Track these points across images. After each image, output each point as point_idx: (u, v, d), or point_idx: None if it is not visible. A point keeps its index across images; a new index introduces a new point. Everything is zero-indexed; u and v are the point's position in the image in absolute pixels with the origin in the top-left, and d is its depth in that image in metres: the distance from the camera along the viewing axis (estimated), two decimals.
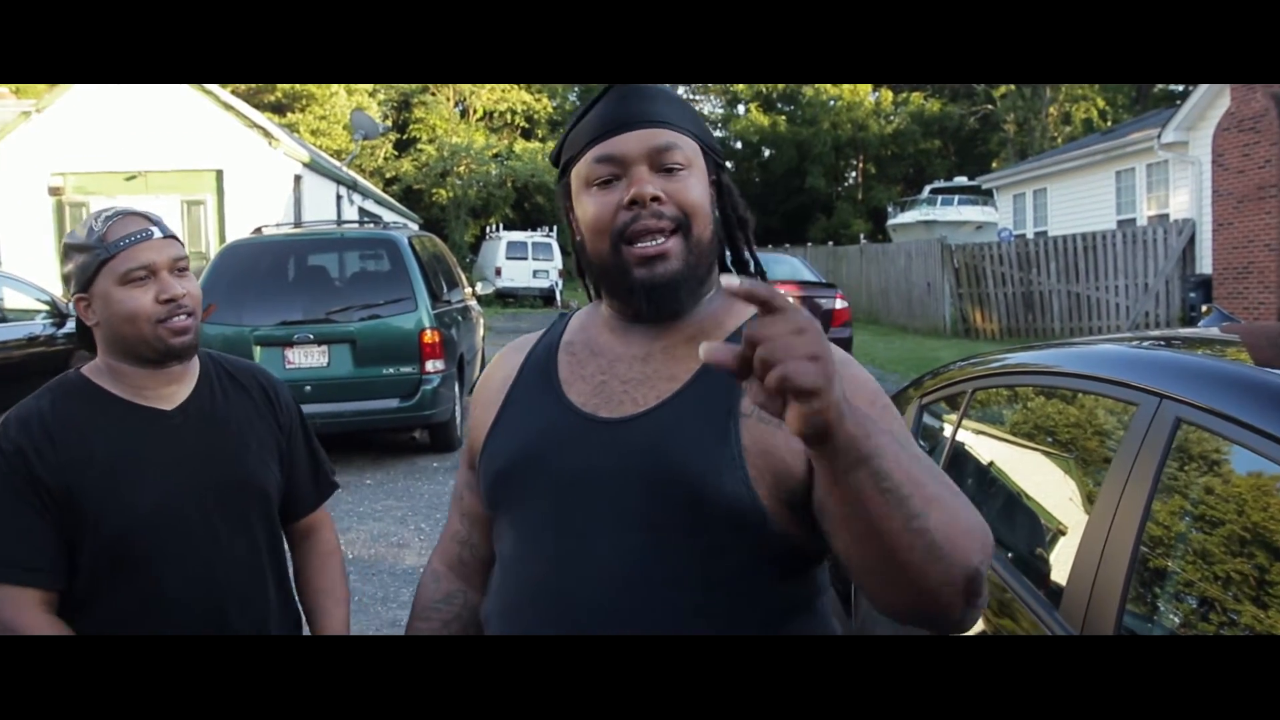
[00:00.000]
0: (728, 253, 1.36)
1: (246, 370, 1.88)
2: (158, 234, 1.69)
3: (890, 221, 40.01)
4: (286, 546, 1.90)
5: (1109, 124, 34.17)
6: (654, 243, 1.22)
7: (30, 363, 8.17)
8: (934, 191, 39.17)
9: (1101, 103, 38.84)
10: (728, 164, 1.37)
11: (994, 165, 37.50)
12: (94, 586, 1.66)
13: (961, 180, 38.54)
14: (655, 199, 1.22)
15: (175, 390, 1.75)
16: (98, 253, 1.66)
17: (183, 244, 1.75)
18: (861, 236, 35.27)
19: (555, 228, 34.31)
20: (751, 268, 1.37)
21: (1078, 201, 19.51)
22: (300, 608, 1.91)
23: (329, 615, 1.86)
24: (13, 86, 21.81)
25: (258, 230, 8.75)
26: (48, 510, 1.63)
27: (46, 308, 8.92)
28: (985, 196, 32.73)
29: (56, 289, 14.98)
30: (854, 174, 49.81)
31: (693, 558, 1.17)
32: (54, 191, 16.94)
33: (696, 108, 47.36)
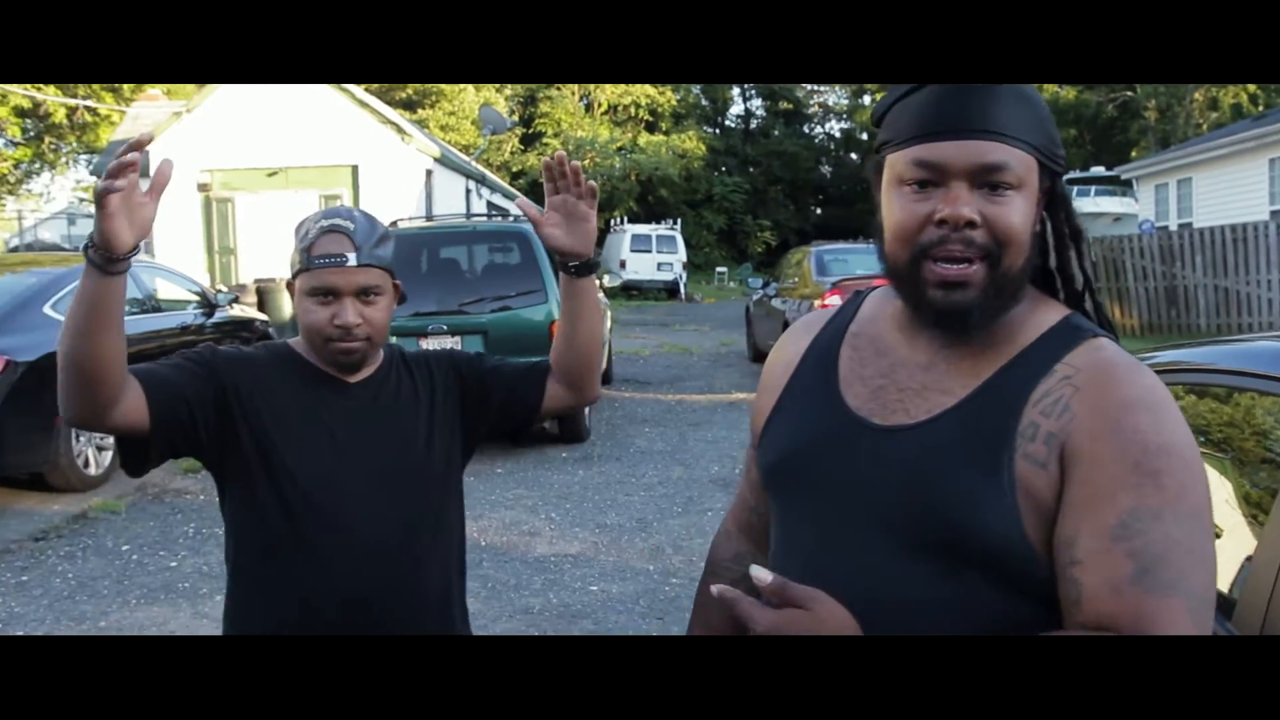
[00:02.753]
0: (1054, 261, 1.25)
1: (420, 358, 1.93)
2: (351, 261, 1.70)
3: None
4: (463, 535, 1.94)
5: (1260, 109, 32.49)
6: (957, 267, 1.13)
7: (182, 350, 8.56)
8: (1069, 182, 37.84)
9: (1253, 87, 36.94)
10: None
11: (1133, 154, 36.08)
12: (272, 533, 1.74)
13: (1098, 170, 37.15)
14: (970, 223, 1.12)
15: (358, 374, 1.83)
16: (301, 261, 1.74)
17: (382, 269, 1.76)
18: None
19: (679, 220, 34.36)
20: (1079, 283, 1.24)
21: (1226, 191, 18.62)
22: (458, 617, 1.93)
23: None
24: (165, 88, 22.87)
25: (393, 224, 9.00)
26: (203, 403, 1.70)
27: (196, 298, 9.32)
28: (1124, 187, 31.47)
29: (205, 280, 15.69)
30: None
31: (944, 593, 1.12)
32: (202, 188, 17.76)
33: (824, 99, 45.93)
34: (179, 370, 1.71)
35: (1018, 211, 1.13)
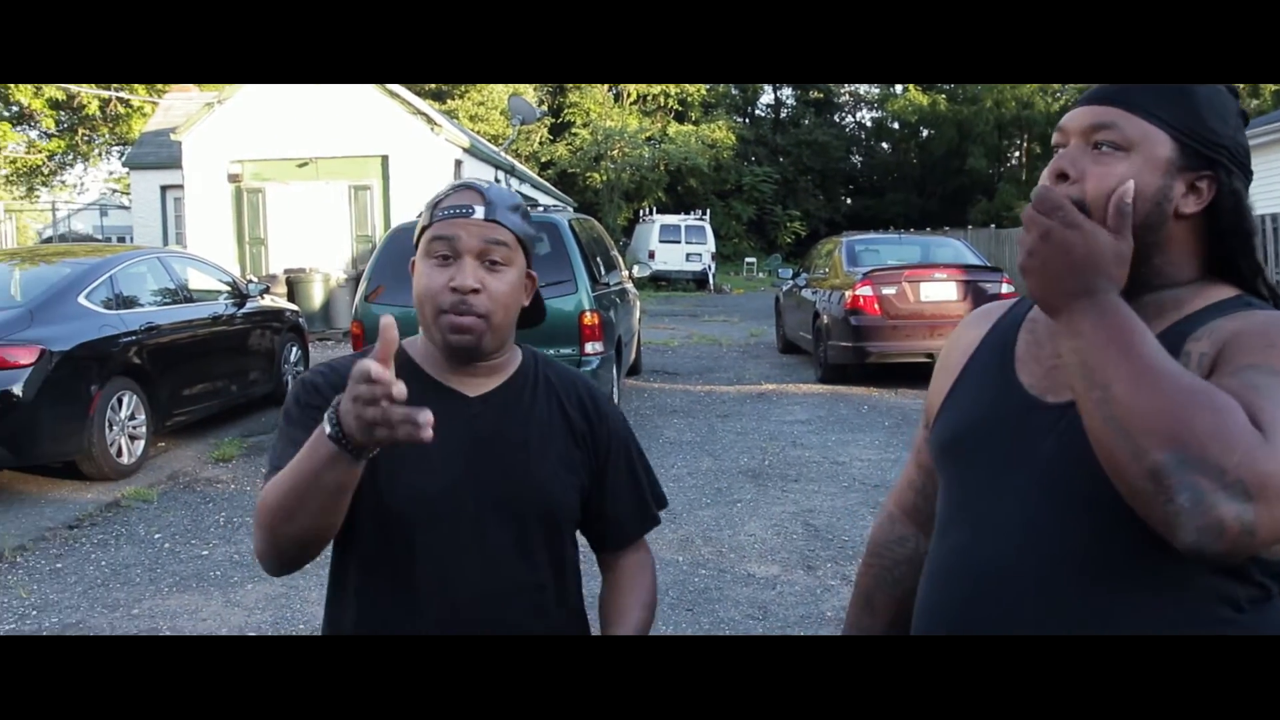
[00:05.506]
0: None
1: (570, 380, 1.67)
2: (478, 215, 1.50)
3: None
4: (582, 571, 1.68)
5: None
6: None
7: (212, 341, 8.63)
8: None
9: None
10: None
11: None
12: (358, 563, 1.54)
13: None
14: (1062, 175, 1.24)
15: (482, 382, 1.57)
16: (424, 218, 1.54)
17: (512, 233, 1.52)
18: None
19: (708, 211, 34.25)
20: (1247, 272, 1.27)
21: (1269, 180, 18.33)
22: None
23: (625, 615, 1.61)
24: None
25: None
26: None
27: (228, 288, 9.39)
28: None
29: (236, 270, 15.80)
30: (1018, 153, 48.08)
31: (1135, 547, 1.14)
32: (233, 179, 17.87)
33: (855, 88, 45.61)
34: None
35: (1114, 172, 1.20)
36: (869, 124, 53.71)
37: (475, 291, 1.47)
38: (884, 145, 52.80)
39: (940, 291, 10.60)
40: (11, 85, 25.83)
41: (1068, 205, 1.13)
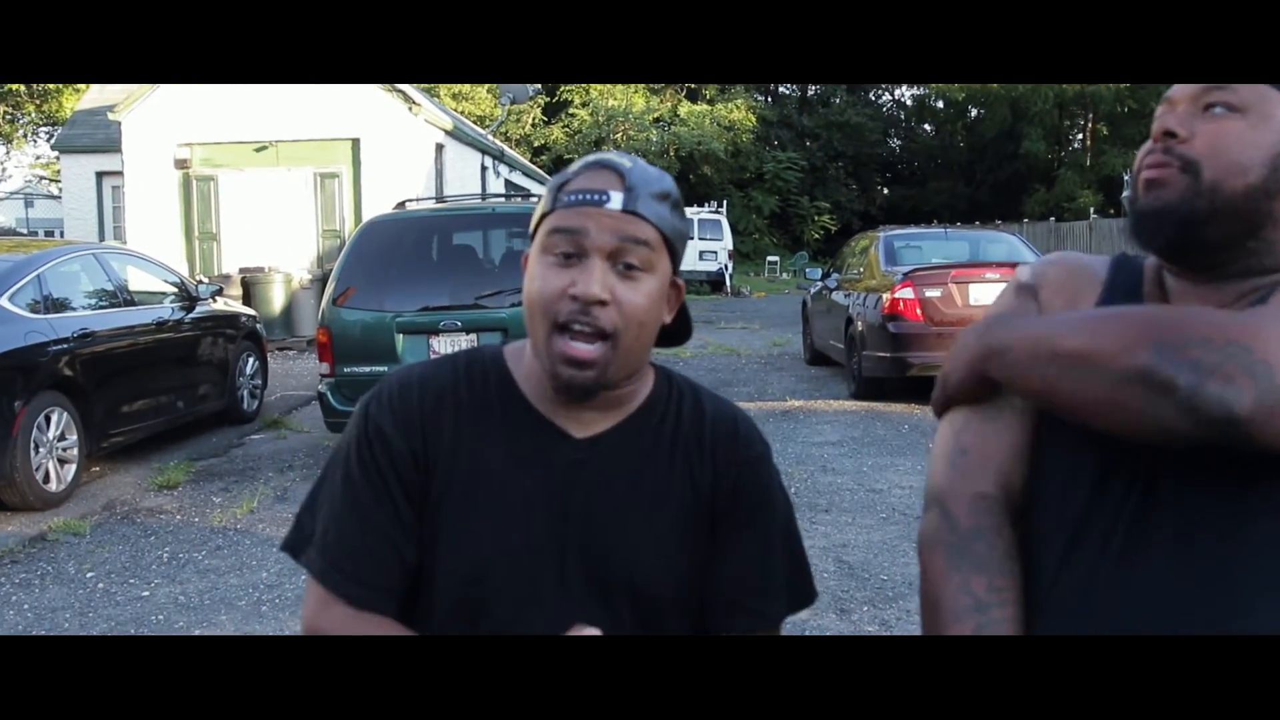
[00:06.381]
0: None
1: (711, 417, 1.50)
2: (614, 202, 1.33)
3: (1126, 193, 38.48)
4: None
5: None
6: (1158, 169, 1.28)
7: (156, 350, 8.60)
8: None
9: None
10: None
11: None
12: (426, 621, 1.42)
13: None
14: (1169, 134, 1.27)
15: (596, 417, 1.43)
16: (545, 202, 1.38)
17: (657, 231, 1.36)
18: (1091, 211, 34.03)
19: (725, 203, 34.25)
20: None
21: None
22: None
23: None
24: None
25: (400, 205, 9.01)
26: (408, 504, 1.39)
27: (174, 290, 9.38)
28: None
29: (184, 270, 15.81)
30: (1081, 135, 48.11)
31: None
32: (180, 165, 17.88)
33: None
34: (386, 539, 1.38)
35: (1234, 133, 1.24)
36: (909, 103, 53.79)
37: (602, 304, 1.31)
38: (926, 127, 52.89)
39: (992, 294, 10.55)
40: None
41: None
